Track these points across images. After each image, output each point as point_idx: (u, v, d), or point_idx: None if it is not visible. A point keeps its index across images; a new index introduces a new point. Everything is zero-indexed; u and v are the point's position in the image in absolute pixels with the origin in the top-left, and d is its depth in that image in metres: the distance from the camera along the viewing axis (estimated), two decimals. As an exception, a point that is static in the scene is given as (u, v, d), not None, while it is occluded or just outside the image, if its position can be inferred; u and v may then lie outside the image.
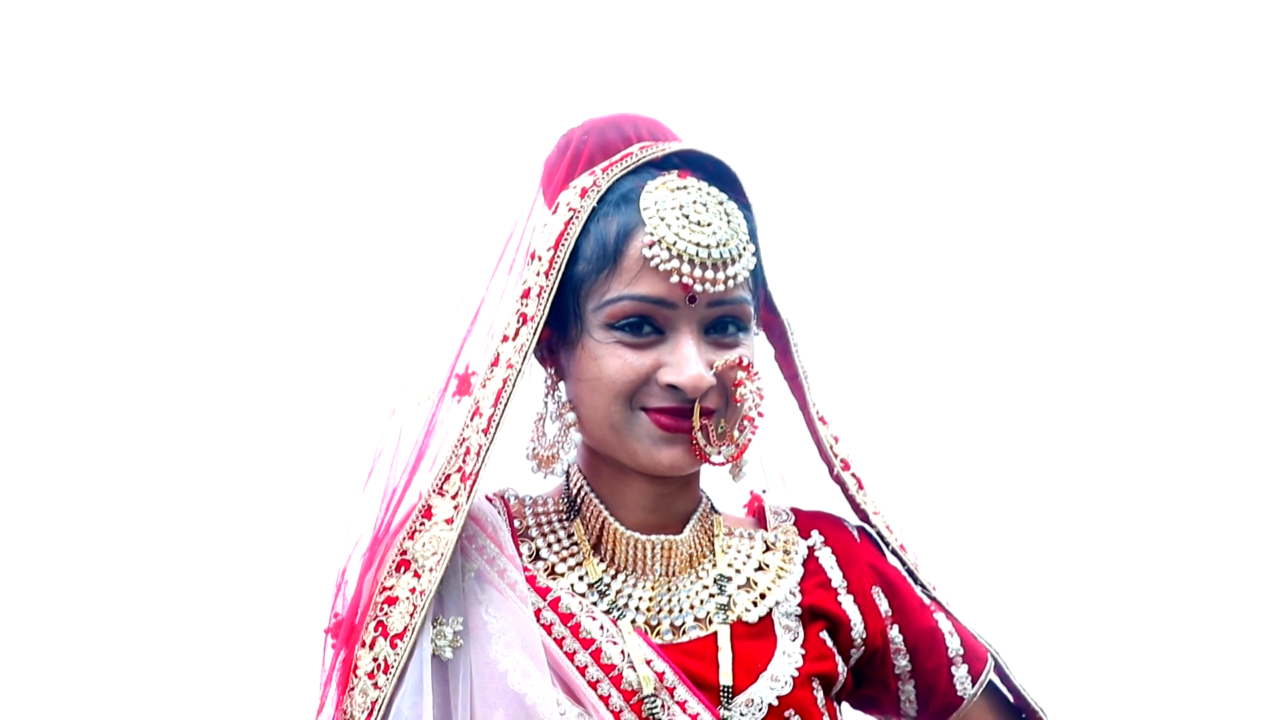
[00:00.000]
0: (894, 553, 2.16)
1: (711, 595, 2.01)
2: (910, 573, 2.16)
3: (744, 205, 2.01)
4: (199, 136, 2.96)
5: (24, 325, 2.90)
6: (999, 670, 2.17)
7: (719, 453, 1.96)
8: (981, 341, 3.18)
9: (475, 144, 2.92)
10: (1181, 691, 3.13)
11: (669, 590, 2.01)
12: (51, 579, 2.87)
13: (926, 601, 2.14)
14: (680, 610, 1.99)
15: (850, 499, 2.16)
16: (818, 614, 2.04)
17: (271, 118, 2.98)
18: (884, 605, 2.10)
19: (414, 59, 3.02)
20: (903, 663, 2.10)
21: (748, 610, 2.01)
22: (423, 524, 1.93)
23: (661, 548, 2.01)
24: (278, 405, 2.92)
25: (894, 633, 2.10)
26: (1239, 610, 3.18)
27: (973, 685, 2.13)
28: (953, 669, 2.12)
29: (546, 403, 2.04)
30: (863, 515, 2.16)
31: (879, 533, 2.16)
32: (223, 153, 2.97)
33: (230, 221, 2.96)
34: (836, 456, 2.14)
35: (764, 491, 2.17)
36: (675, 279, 1.90)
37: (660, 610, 1.99)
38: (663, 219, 1.93)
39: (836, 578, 2.09)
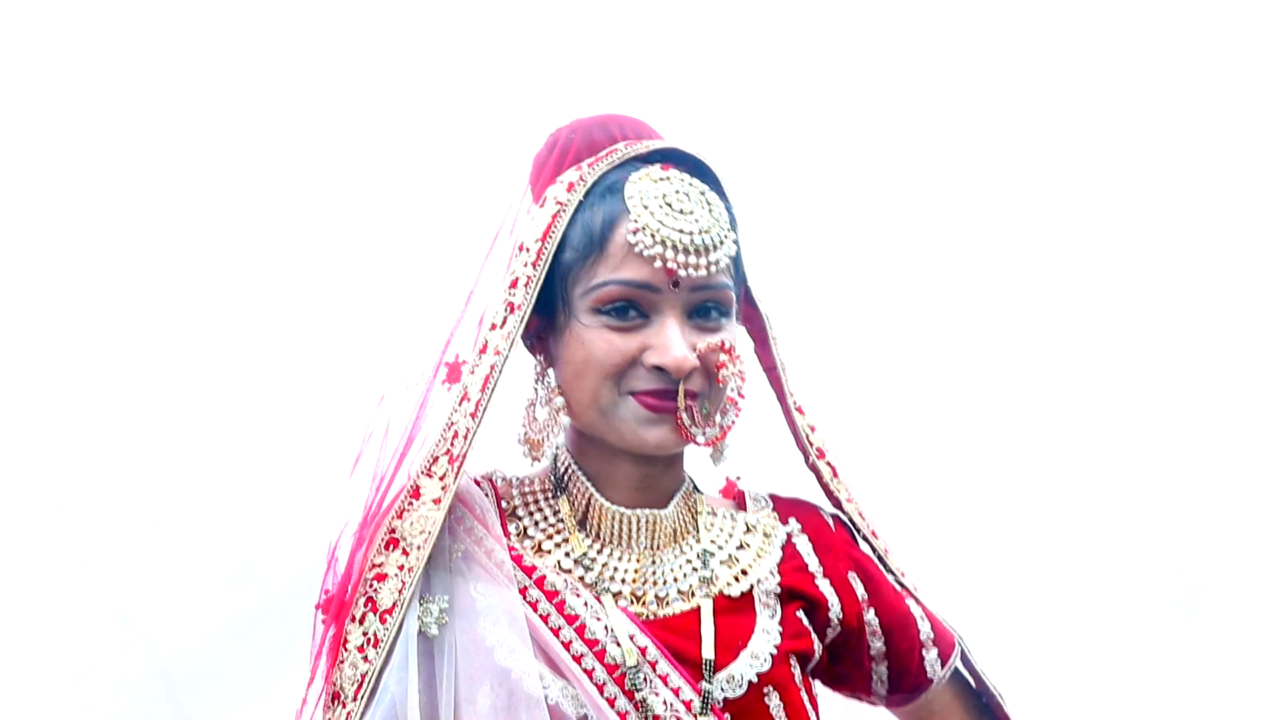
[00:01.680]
0: (865, 539, 2.23)
1: (695, 569, 2.06)
2: (880, 559, 2.23)
3: (723, 198, 2.08)
4: (194, 129, 2.98)
5: (19, 316, 2.93)
6: (962, 654, 2.23)
7: (703, 434, 2.02)
8: (957, 335, 3.22)
9: (467, 141, 2.97)
10: (1139, 680, 3.17)
11: (653, 563, 2.05)
12: (43, 565, 2.88)
13: (897, 588, 2.21)
14: (664, 583, 2.04)
15: (824, 486, 2.22)
16: (795, 595, 2.10)
17: (265, 109, 3.00)
18: (860, 590, 2.15)
19: (406, 56, 3.05)
20: (878, 645, 2.16)
21: (730, 585, 2.06)
22: (411, 504, 1.99)
23: (646, 521, 2.06)
24: (272, 392, 2.94)
25: (870, 616, 2.15)
26: (1195, 594, 3.22)
27: (942, 668, 2.20)
28: (924, 652, 2.19)
29: (536, 389, 2.09)
30: (835, 502, 2.23)
31: (851, 520, 2.23)
32: (216, 145, 2.98)
33: (224, 212, 2.97)
34: (812, 445, 2.21)
35: (738, 478, 2.23)
36: (659, 264, 1.96)
37: (645, 582, 2.03)
38: (646, 207, 1.99)
39: (813, 563, 2.14)
